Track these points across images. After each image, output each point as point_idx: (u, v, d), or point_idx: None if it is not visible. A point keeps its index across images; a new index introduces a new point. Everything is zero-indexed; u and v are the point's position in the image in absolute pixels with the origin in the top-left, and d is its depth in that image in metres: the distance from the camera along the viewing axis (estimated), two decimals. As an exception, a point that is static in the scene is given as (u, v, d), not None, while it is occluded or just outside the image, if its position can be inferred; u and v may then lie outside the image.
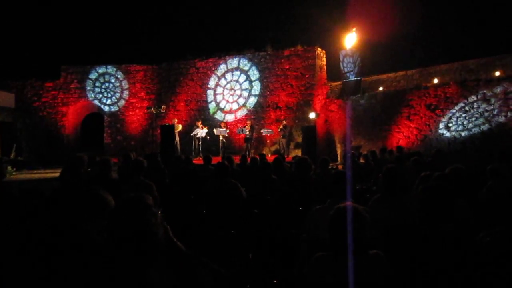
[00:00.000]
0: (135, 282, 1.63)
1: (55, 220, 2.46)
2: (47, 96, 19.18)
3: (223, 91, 18.38)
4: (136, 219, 1.64)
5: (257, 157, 8.58)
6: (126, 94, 19.50)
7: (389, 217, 3.29)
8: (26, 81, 19.16)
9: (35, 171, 13.16)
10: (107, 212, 2.13)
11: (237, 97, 18.10)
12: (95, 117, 20.65)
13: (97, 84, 19.47)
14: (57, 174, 5.77)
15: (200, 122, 15.60)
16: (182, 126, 16.56)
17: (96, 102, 19.47)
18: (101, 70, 19.49)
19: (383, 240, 2.88)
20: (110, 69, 19.52)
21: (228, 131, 15.68)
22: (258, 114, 17.33)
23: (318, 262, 2.23)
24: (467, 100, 12.03)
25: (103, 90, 19.47)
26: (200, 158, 12.77)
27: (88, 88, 19.39)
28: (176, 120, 15.85)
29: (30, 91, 19.12)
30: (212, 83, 18.61)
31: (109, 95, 19.48)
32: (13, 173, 12.25)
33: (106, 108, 19.49)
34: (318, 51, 16.77)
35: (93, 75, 19.45)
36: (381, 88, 17.05)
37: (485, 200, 4.10)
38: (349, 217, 2.16)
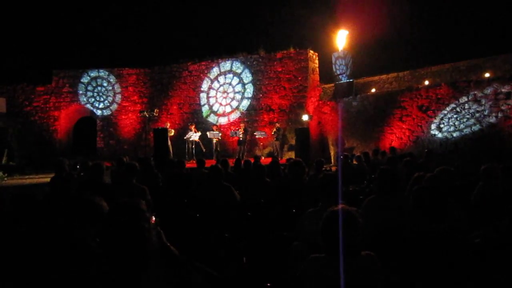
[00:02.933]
0: (128, 287, 1.62)
1: (48, 226, 2.44)
2: (38, 101, 19.03)
3: (216, 94, 18.37)
4: (129, 225, 1.64)
5: (251, 160, 8.60)
6: (118, 97, 19.41)
7: (383, 217, 3.31)
8: (17, 86, 19.00)
9: (27, 176, 13.03)
10: (102, 218, 2.12)
11: (230, 100, 18.10)
12: (87, 121, 20.51)
13: (89, 88, 19.36)
14: (49, 179, 5.73)
15: (193, 126, 15.56)
16: (175, 130, 16.51)
17: (88, 106, 19.35)
18: (93, 74, 19.39)
19: (377, 241, 2.90)
20: (102, 72, 19.43)
21: (220, 134, 15.66)
22: (251, 117, 17.33)
23: (312, 264, 2.24)
24: (458, 101, 12.14)
25: (95, 94, 19.36)
26: (194, 162, 12.75)
27: (80, 92, 19.27)
28: (168, 124, 15.79)
29: (21, 95, 18.96)
30: (205, 86, 18.59)
31: (102, 99, 19.37)
32: (5, 179, 12.14)
33: (99, 112, 19.38)
34: (311, 54, 16.84)
35: (85, 79, 19.34)
36: (373, 90, 17.15)
37: (477, 201, 4.14)
38: (342, 219, 2.17)
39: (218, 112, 18.24)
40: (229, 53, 18.40)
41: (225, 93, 18.18)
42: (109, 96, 19.39)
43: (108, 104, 19.40)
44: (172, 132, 15.20)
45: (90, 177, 4.99)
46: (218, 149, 15.27)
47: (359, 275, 2.15)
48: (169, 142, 14.96)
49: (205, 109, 18.48)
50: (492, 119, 11.31)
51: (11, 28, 24.00)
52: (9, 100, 18.26)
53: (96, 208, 2.22)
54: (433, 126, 12.58)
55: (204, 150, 15.24)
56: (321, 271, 2.17)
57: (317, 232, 2.26)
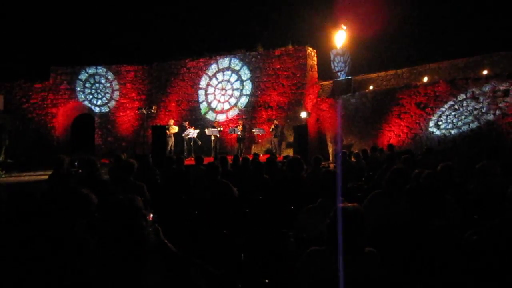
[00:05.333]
0: (126, 284, 1.62)
1: (46, 223, 2.43)
2: (36, 98, 18.96)
3: (215, 91, 18.34)
4: (125, 221, 1.63)
5: (250, 157, 8.60)
6: (116, 94, 19.36)
7: (386, 213, 3.32)
8: (14, 83, 18.91)
9: (25, 174, 13.01)
10: (92, 210, 2.13)
11: (228, 97, 18.07)
12: (85, 118, 20.45)
13: (87, 85, 19.30)
14: (47, 177, 5.72)
15: (187, 123, 15.54)
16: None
17: (86, 103, 19.30)
18: (91, 70, 19.33)
19: (378, 236, 2.91)
20: (100, 69, 19.37)
21: (221, 129, 15.63)
22: (249, 114, 17.32)
23: (312, 257, 2.24)
24: (456, 98, 12.15)
25: (93, 91, 19.30)
26: (192, 159, 12.75)
27: (78, 89, 19.21)
28: (172, 122, 15.76)
29: (19, 92, 18.88)
30: (203, 83, 18.56)
31: (100, 96, 19.32)
32: (3, 176, 12.13)
33: (97, 109, 19.34)
34: (309, 51, 16.81)
35: (83, 76, 19.27)
36: (371, 87, 17.14)
37: (474, 198, 4.15)
38: (350, 217, 2.18)
39: (216, 109, 18.21)
40: (227, 50, 18.35)
41: (223, 90, 18.15)
42: (107, 93, 19.33)
43: (106, 101, 19.35)
44: (176, 129, 15.20)
45: (85, 173, 4.99)
46: (217, 146, 15.26)
47: (360, 272, 2.16)
48: (172, 139, 14.99)
49: (203, 106, 18.46)
50: (490, 117, 11.33)
51: (8, 24, 23.89)
52: (6, 97, 18.21)
53: (86, 200, 2.23)
54: (431, 124, 12.60)
55: (199, 143, 15.20)
56: (321, 264, 2.18)
57: (316, 228, 2.26)
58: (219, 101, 18.24)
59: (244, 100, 17.66)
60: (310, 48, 16.89)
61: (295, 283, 2.26)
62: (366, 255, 2.24)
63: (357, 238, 2.18)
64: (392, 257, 2.62)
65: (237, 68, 17.94)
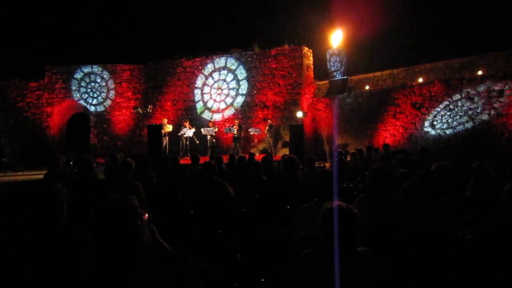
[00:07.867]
0: (122, 284, 1.62)
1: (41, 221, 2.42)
2: (31, 96, 18.85)
3: (211, 90, 18.32)
4: (121, 221, 1.63)
5: (246, 156, 8.60)
6: (112, 94, 19.28)
7: (375, 215, 3.32)
8: (9, 81, 18.79)
9: (19, 173, 12.93)
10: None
11: (224, 96, 18.06)
12: (81, 117, 20.36)
13: (83, 84, 19.21)
14: (41, 176, 5.69)
15: (187, 122, 15.52)
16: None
17: (81, 102, 19.21)
18: (86, 69, 19.24)
19: (369, 238, 2.91)
20: (96, 68, 19.29)
21: (216, 129, 15.58)
22: (245, 113, 17.32)
23: (308, 259, 2.25)
24: (452, 98, 12.22)
25: (88, 90, 19.22)
26: (188, 158, 12.72)
27: (74, 88, 19.12)
28: (166, 120, 15.72)
29: (13, 91, 18.76)
30: (199, 82, 18.54)
31: (95, 95, 19.24)
32: (-3, 175, 12.04)
33: (92, 108, 19.26)
34: (305, 50, 16.84)
35: (78, 75, 19.18)
36: (367, 87, 17.20)
37: (469, 197, 4.17)
38: (341, 215, 2.18)
39: (212, 109, 18.20)
40: (223, 49, 18.34)
41: (219, 90, 18.14)
42: (103, 92, 19.26)
43: (102, 100, 19.27)
44: (170, 128, 15.17)
45: (80, 173, 4.96)
46: (214, 145, 15.23)
47: (355, 271, 2.16)
48: (167, 138, 14.94)
49: (199, 105, 18.44)
50: (485, 117, 11.40)
51: (3, 23, 23.74)
52: (1, 96, 18.10)
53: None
54: (426, 123, 12.66)
55: (197, 141, 15.18)
56: (317, 266, 2.18)
57: (312, 228, 2.27)
58: (215, 101, 18.22)
59: (240, 100, 17.66)
60: (306, 48, 16.91)
61: (293, 285, 2.26)
62: (359, 254, 2.24)
63: (349, 237, 2.18)
64: (386, 258, 2.63)
65: (233, 67, 17.93)
